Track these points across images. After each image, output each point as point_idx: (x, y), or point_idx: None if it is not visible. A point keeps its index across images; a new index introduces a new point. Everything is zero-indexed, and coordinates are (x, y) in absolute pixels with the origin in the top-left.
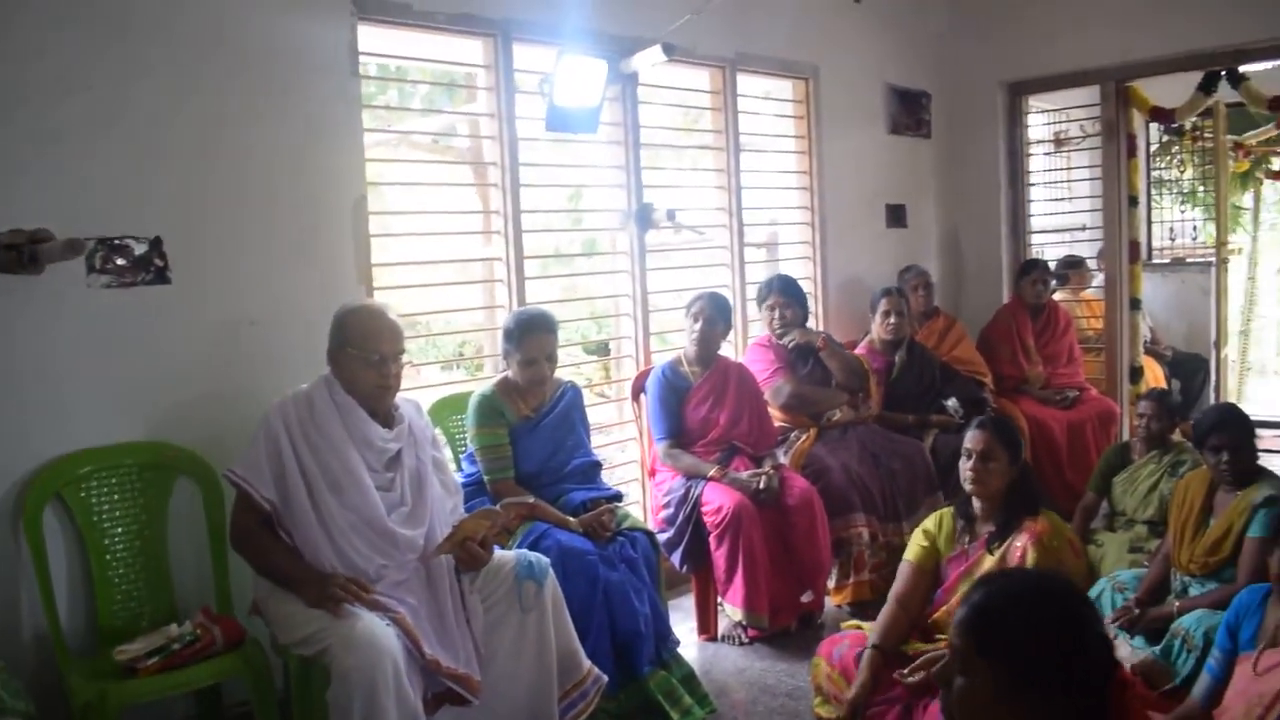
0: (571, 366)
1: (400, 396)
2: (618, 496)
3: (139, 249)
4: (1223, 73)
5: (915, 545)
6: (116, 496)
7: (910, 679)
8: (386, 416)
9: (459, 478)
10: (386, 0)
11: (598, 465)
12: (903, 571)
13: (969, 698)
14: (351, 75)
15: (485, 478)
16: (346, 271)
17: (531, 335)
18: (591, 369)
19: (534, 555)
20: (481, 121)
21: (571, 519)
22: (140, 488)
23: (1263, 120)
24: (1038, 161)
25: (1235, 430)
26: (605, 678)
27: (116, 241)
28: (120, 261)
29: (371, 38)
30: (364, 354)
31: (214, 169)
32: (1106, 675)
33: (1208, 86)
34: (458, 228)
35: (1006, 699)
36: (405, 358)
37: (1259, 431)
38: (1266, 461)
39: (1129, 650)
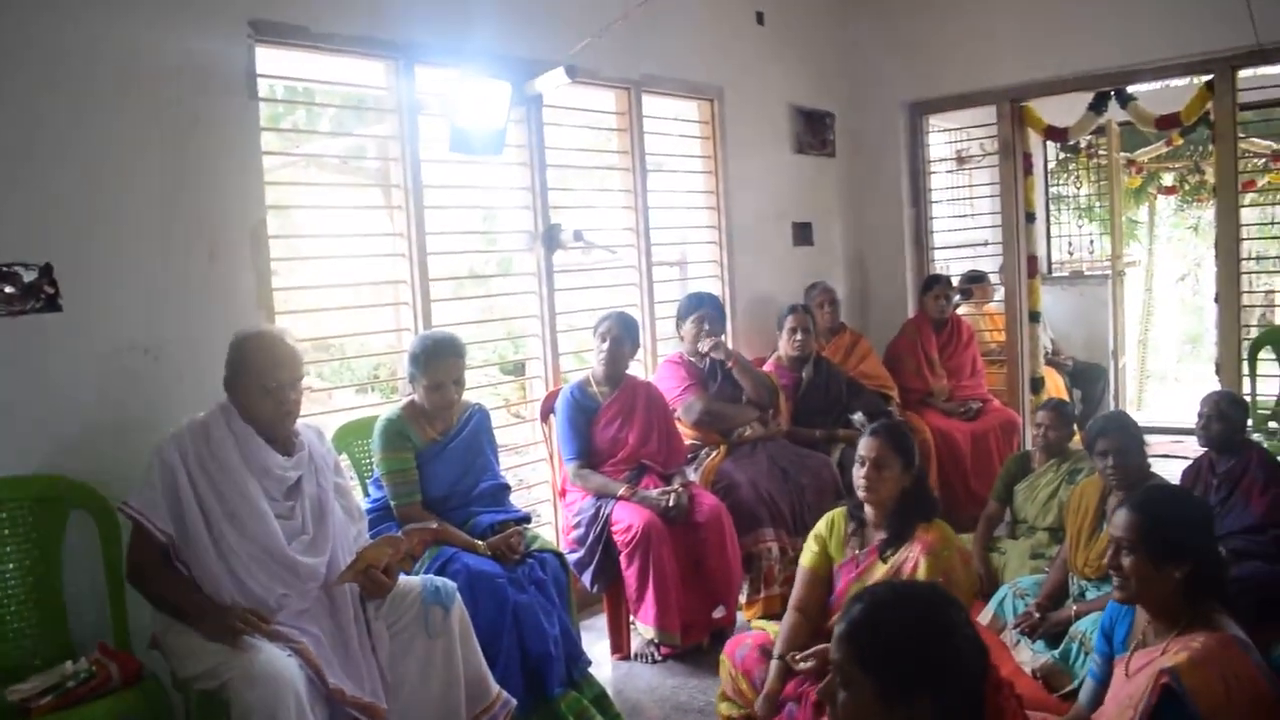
0: (489, 387)
1: (301, 423)
2: (526, 518)
3: (28, 276)
4: (1112, 93)
5: (808, 551)
6: (7, 532)
7: (803, 665)
8: (286, 444)
9: (365, 503)
10: (284, 22)
11: (506, 488)
12: (799, 578)
13: (852, 710)
14: (250, 98)
15: (392, 503)
16: (246, 297)
17: (437, 360)
18: (510, 389)
19: (440, 580)
20: (386, 143)
21: (480, 542)
22: (32, 523)
23: (1154, 138)
24: (940, 179)
25: (1120, 436)
26: (514, 701)
27: (5, 269)
28: (8, 289)
29: (272, 60)
30: (262, 381)
31: (105, 193)
32: (981, 677)
33: (1098, 106)
34: (365, 250)
35: (887, 708)
36: (318, 382)
37: (1157, 437)
38: (1166, 466)
39: (1030, 655)
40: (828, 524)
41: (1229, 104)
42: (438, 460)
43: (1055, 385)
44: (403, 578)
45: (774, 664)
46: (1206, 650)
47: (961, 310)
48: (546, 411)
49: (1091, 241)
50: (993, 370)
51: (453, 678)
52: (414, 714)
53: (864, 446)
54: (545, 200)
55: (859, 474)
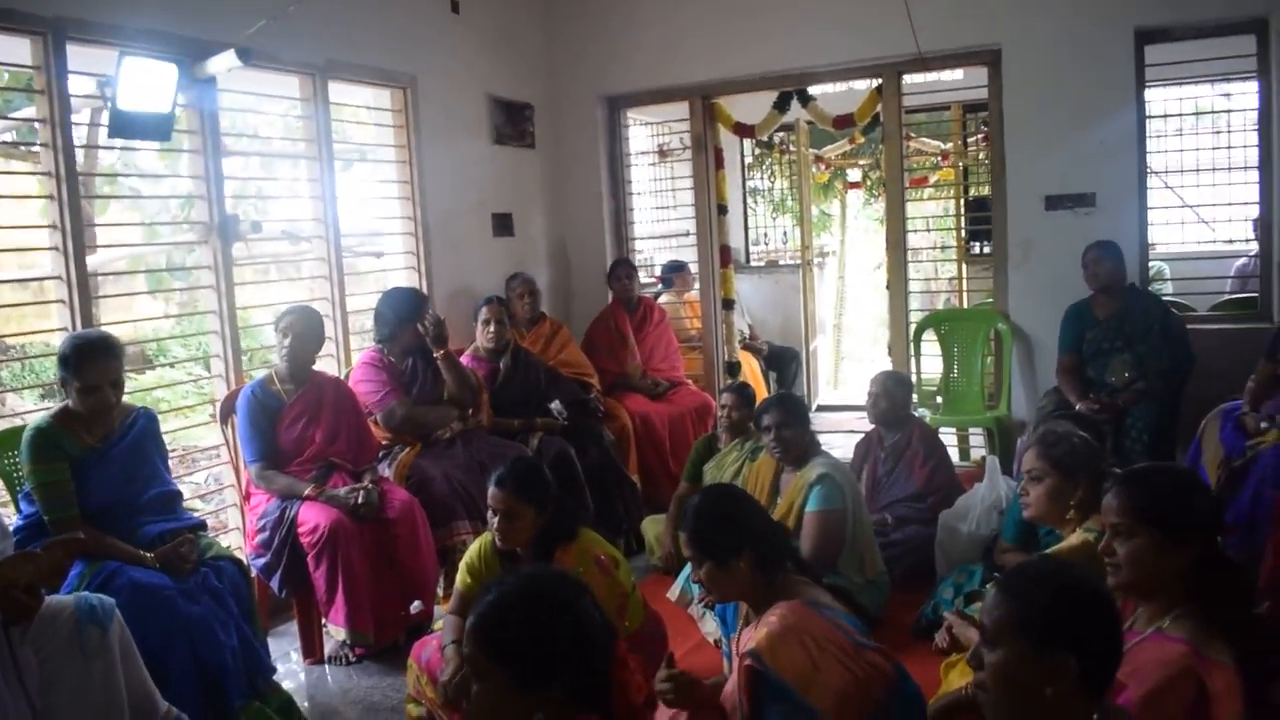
0: (191, 382)
1: None
2: (200, 525)
3: None
4: (794, 93)
5: (461, 580)
6: None
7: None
8: None
9: (16, 520)
10: None
11: (177, 494)
12: (455, 601)
13: (485, 701)
14: None
15: (45, 518)
16: None
17: (90, 361)
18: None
19: (96, 597)
20: (36, 128)
21: (147, 554)
22: None
23: (839, 136)
24: (643, 171)
25: (781, 412)
26: (186, 718)
27: None
28: None
29: None
30: None
31: None
32: (609, 658)
33: (781, 105)
34: (16, 243)
35: (520, 696)
36: None
37: (849, 414)
38: (847, 440)
39: (714, 626)
40: (477, 553)
41: (895, 106)
42: (98, 469)
43: (751, 369)
44: (53, 598)
45: (448, 650)
46: (783, 623)
47: (663, 299)
48: (227, 412)
49: (785, 233)
50: (692, 356)
51: (113, 700)
52: None
53: (492, 498)
54: (221, 190)
55: (493, 523)
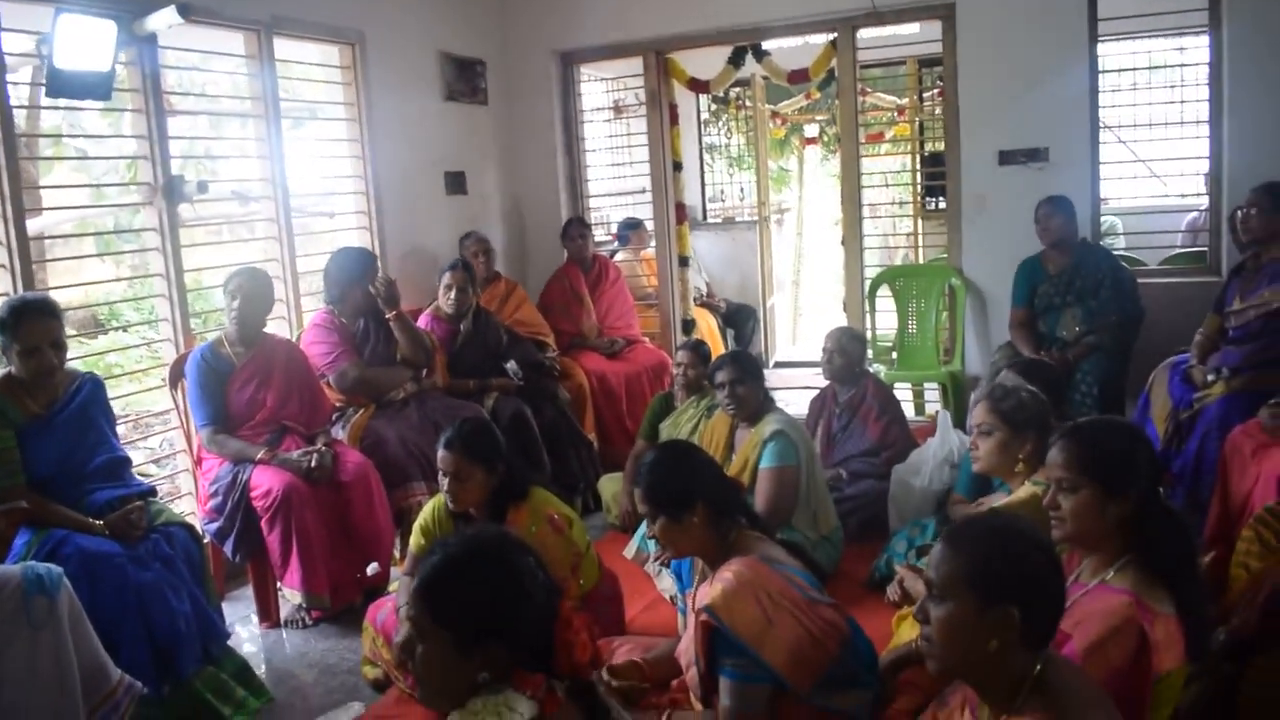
0: (144, 345)
1: None
2: (151, 492)
3: None
4: (749, 48)
5: (415, 543)
6: None
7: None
8: None
9: None
10: None
11: (126, 461)
12: (410, 562)
13: (430, 661)
14: None
15: None
16: None
17: (28, 322)
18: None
19: (44, 566)
20: None
21: (96, 522)
22: None
23: (795, 91)
24: (599, 128)
25: (734, 369)
26: (139, 685)
27: None
28: None
29: None
30: None
31: None
32: (552, 618)
33: (736, 60)
34: None
35: (463, 657)
36: None
37: (807, 370)
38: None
39: (669, 583)
40: (431, 515)
41: (850, 61)
42: (43, 436)
43: (708, 326)
44: None
45: (403, 611)
46: (738, 578)
47: (619, 257)
48: (176, 376)
49: (742, 189)
50: (649, 314)
51: (65, 670)
52: (23, 714)
53: (441, 460)
54: (166, 150)
55: (443, 485)
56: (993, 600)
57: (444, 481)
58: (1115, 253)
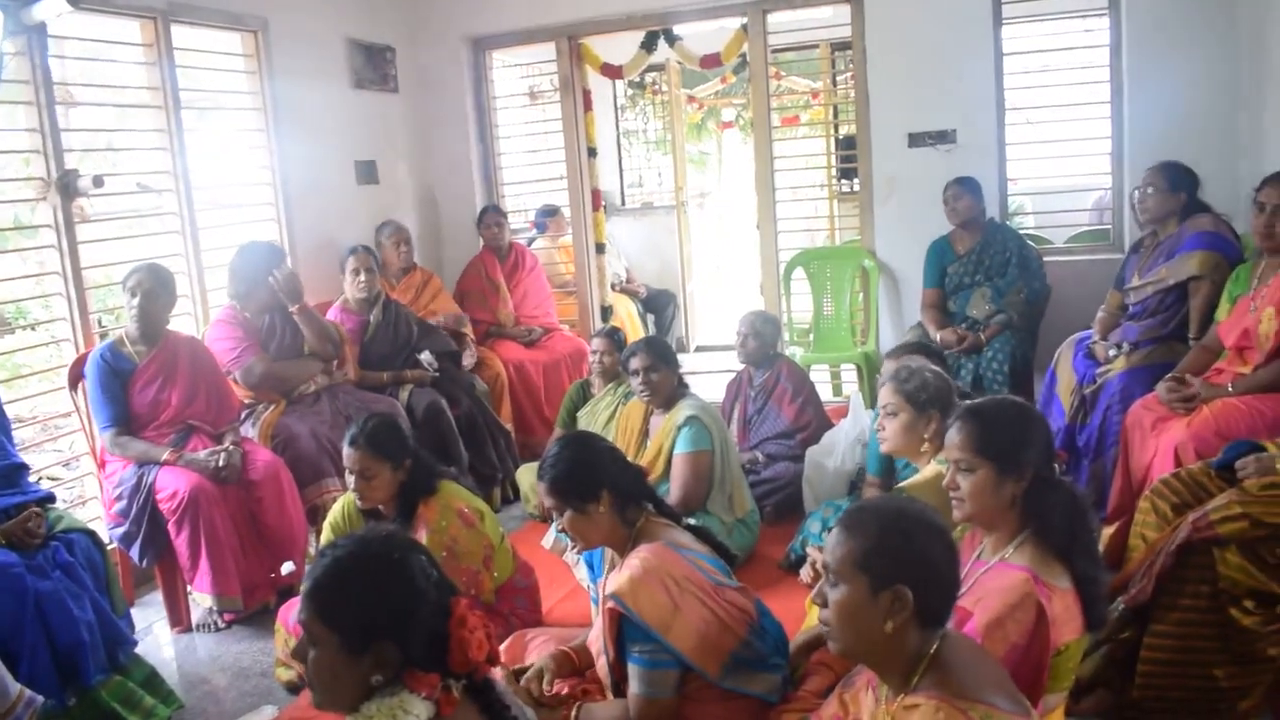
0: (53, 344)
1: None
2: (49, 498)
3: None
4: (661, 33)
5: (326, 540)
6: None
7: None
8: None
9: None
10: None
11: (21, 467)
12: None
13: (322, 665)
14: None
15: None
16: None
17: None
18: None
19: None
20: None
21: None
22: None
23: (711, 76)
24: (513, 115)
25: (646, 355)
26: (39, 698)
27: None
28: None
29: None
30: None
31: None
32: (445, 616)
33: (648, 45)
34: None
35: (353, 659)
36: None
37: (726, 354)
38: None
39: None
40: (341, 513)
41: (761, 45)
42: None
43: (628, 313)
44: None
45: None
46: (644, 565)
47: (537, 244)
48: (76, 377)
49: (660, 174)
50: (567, 301)
51: None
52: None
53: (347, 458)
54: (59, 143)
55: (351, 484)
56: (885, 582)
57: (351, 479)
58: (1023, 232)
